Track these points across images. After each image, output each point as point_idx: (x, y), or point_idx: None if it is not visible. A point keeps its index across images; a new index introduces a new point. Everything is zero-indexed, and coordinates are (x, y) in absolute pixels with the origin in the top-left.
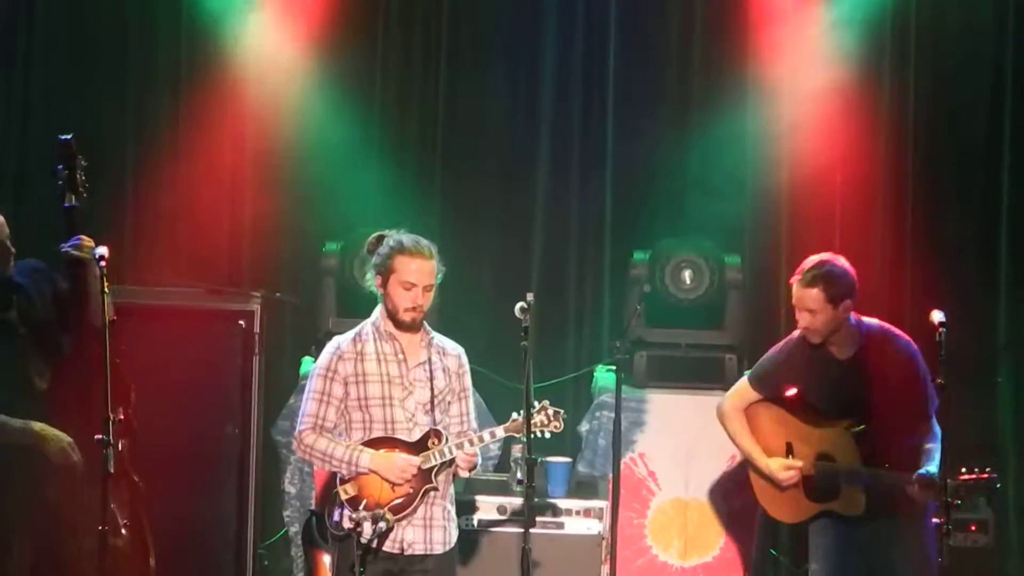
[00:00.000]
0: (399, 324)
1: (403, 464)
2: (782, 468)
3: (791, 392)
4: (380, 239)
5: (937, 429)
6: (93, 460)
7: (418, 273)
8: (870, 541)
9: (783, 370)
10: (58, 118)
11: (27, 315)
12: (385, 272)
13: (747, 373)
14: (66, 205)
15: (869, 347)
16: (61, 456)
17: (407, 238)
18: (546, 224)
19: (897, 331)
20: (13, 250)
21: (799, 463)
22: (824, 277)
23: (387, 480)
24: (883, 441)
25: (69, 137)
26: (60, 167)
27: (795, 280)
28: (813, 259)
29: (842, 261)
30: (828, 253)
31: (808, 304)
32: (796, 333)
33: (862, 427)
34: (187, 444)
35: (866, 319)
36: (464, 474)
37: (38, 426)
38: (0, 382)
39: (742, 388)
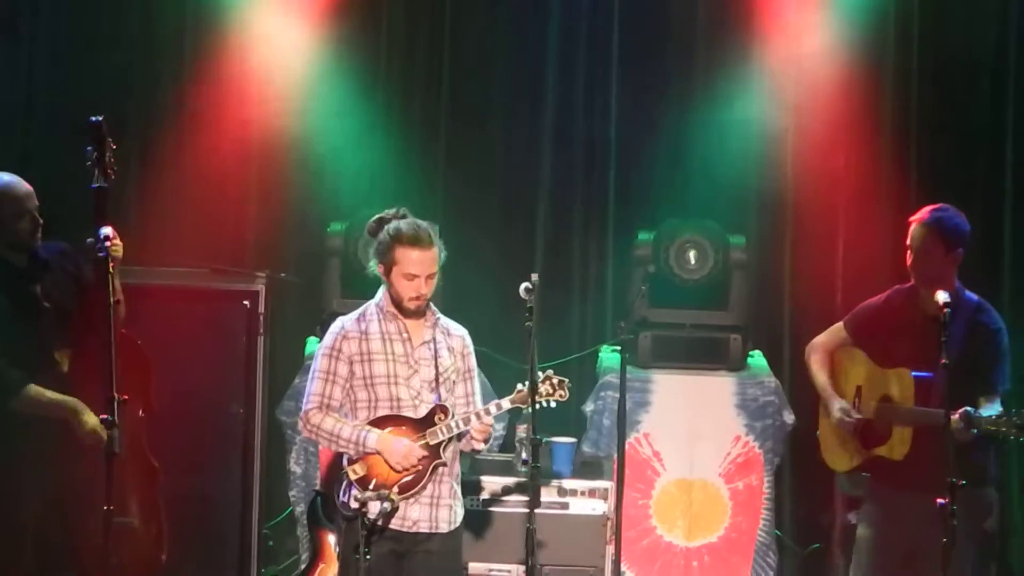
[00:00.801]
0: (404, 312)
1: (406, 451)
2: (839, 409)
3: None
4: (380, 223)
5: (999, 407)
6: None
7: (419, 263)
8: (920, 515)
9: (875, 315)
10: (61, 96)
11: (51, 293)
12: (387, 263)
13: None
14: (94, 185)
15: (962, 310)
16: (91, 434)
17: (406, 226)
18: (550, 204)
19: (991, 307)
20: (41, 221)
21: (857, 415)
22: (945, 220)
23: (390, 464)
24: (942, 395)
25: (100, 119)
26: (89, 148)
27: (916, 219)
28: (935, 205)
29: (962, 215)
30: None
31: (923, 243)
32: (903, 285)
33: (928, 375)
34: (192, 424)
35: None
36: (479, 445)
37: (76, 403)
38: (24, 355)
39: (835, 328)
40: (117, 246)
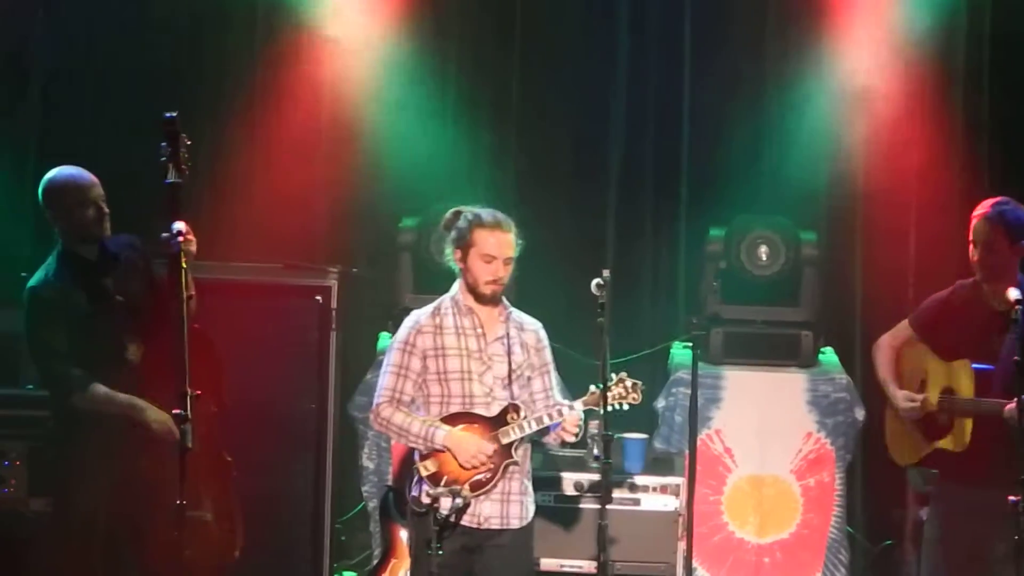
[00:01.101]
0: (479, 297)
1: (474, 450)
2: (905, 398)
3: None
4: (457, 214)
5: None
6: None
7: (498, 246)
8: (988, 511)
9: (940, 309)
10: (133, 93)
11: (122, 286)
12: (464, 246)
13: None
14: (168, 181)
15: None
16: (166, 431)
17: (485, 212)
18: (622, 201)
19: None
20: (107, 211)
21: (920, 396)
22: (1007, 213)
23: (459, 461)
24: (1002, 388)
25: (174, 115)
26: (164, 144)
27: (978, 214)
28: (996, 198)
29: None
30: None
31: (987, 237)
32: (967, 280)
33: (989, 367)
34: (264, 420)
35: None
36: (569, 437)
37: (140, 402)
38: (96, 347)
39: (901, 326)
40: (191, 241)
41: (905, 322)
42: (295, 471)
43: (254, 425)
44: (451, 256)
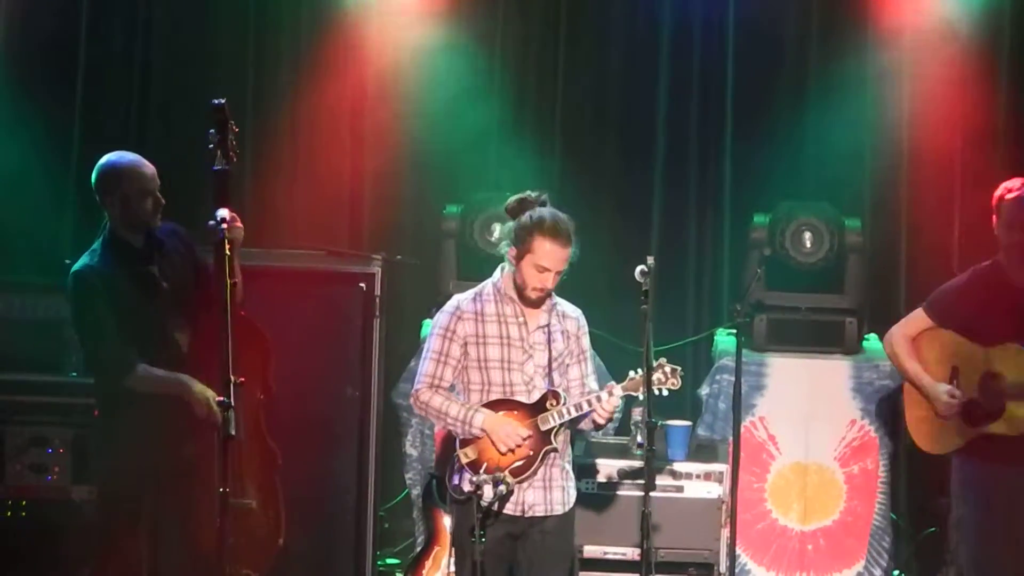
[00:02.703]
0: (524, 300)
1: (509, 430)
2: (944, 392)
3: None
4: (523, 205)
5: None
6: (237, 423)
7: (553, 259)
8: None
9: (962, 295)
10: (178, 79)
11: (169, 273)
12: (521, 248)
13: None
14: (216, 167)
15: None
16: (206, 410)
17: (550, 217)
18: (665, 187)
19: None
20: (163, 202)
21: (958, 392)
22: None
23: (493, 443)
24: None
25: (223, 101)
26: (212, 131)
27: (1011, 195)
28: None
29: None
30: None
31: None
32: (982, 264)
33: None
34: (307, 407)
35: None
36: (601, 421)
37: (186, 377)
38: (143, 334)
39: (915, 315)
40: (238, 228)
41: (919, 311)
42: (339, 459)
43: (298, 413)
44: (506, 249)
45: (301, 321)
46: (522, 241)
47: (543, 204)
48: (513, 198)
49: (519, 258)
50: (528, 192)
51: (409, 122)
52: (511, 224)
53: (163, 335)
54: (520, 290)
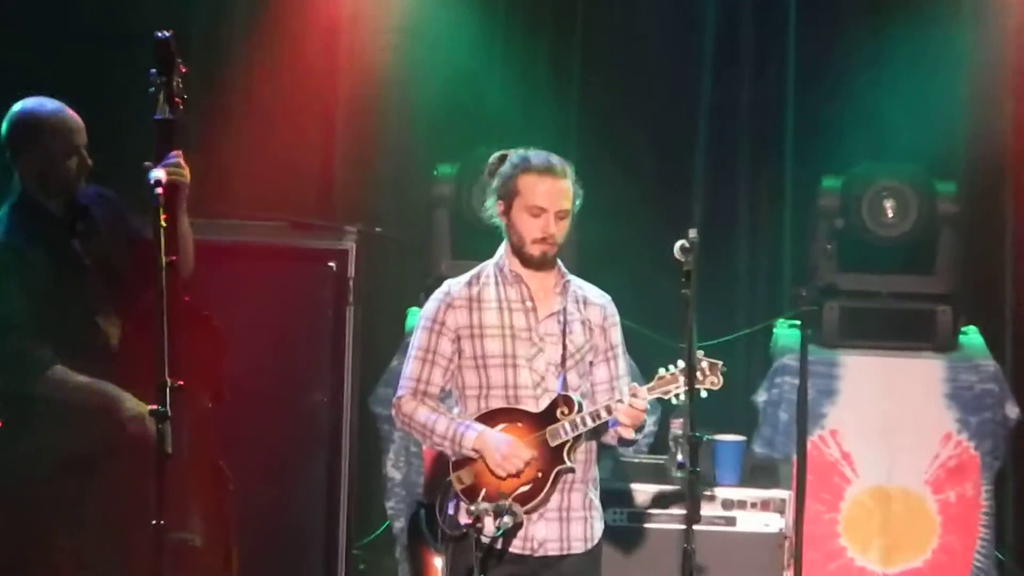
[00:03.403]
0: (527, 260)
1: (507, 450)
2: None
3: None
4: (503, 159)
5: None
6: (178, 437)
7: (548, 195)
8: None
9: None
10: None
11: (94, 247)
12: (508, 196)
13: None
14: (157, 116)
15: None
16: (142, 430)
17: (535, 154)
18: (712, 144)
19: None
20: (91, 163)
21: None
22: None
23: (489, 468)
24: None
25: (168, 35)
26: (154, 71)
27: None
28: None
29: None
30: None
31: None
32: None
33: None
34: (265, 416)
35: None
36: (627, 433)
37: (114, 388)
38: (62, 325)
39: None
40: (182, 175)
41: None
42: (303, 482)
43: (254, 425)
44: (493, 210)
45: (256, 310)
46: (507, 189)
47: None
48: (493, 156)
49: (508, 210)
50: (511, 150)
51: (393, 68)
52: (492, 183)
53: (87, 325)
54: (520, 251)
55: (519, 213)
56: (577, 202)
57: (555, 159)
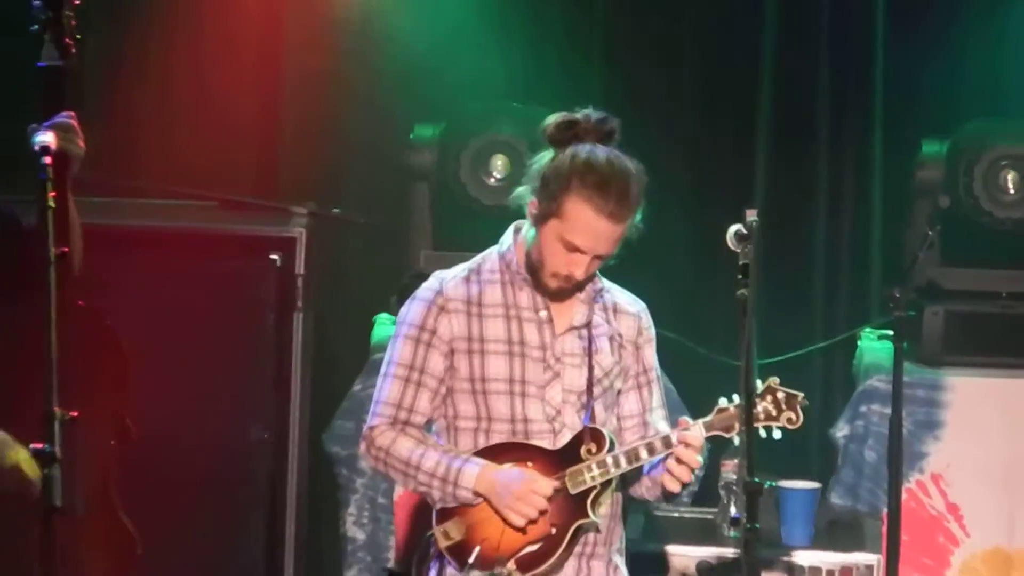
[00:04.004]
0: (539, 287)
1: (522, 489)
2: None
3: None
4: (571, 127)
5: None
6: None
7: (593, 235)
8: None
9: None
10: None
11: None
12: (547, 206)
13: None
14: (43, 63)
15: None
16: (14, 478)
17: (604, 162)
18: (776, 102)
19: None
20: None
21: None
22: None
23: (499, 512)
24: None
25: None
26: (38, 3)
27: None
28: None
29: None
30: None
31: None
32: None
33: None
34: (186, 458)
35: None
36: (673, 486)
37: None
38: None
39: None
40: (74, 143)
41: None
42: (236, 545)
43: (173, 469)
44: (527, 194)
45: (175, 317)
46: (550, 194)
47: (606, 134)
48: (555, 118)
49: (541, 220)
50: (581, 111)
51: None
52: (543, 160)
53: None
54: (533, 268)
55: (550, 236)
56: (632, 232)
57: (622, 184)
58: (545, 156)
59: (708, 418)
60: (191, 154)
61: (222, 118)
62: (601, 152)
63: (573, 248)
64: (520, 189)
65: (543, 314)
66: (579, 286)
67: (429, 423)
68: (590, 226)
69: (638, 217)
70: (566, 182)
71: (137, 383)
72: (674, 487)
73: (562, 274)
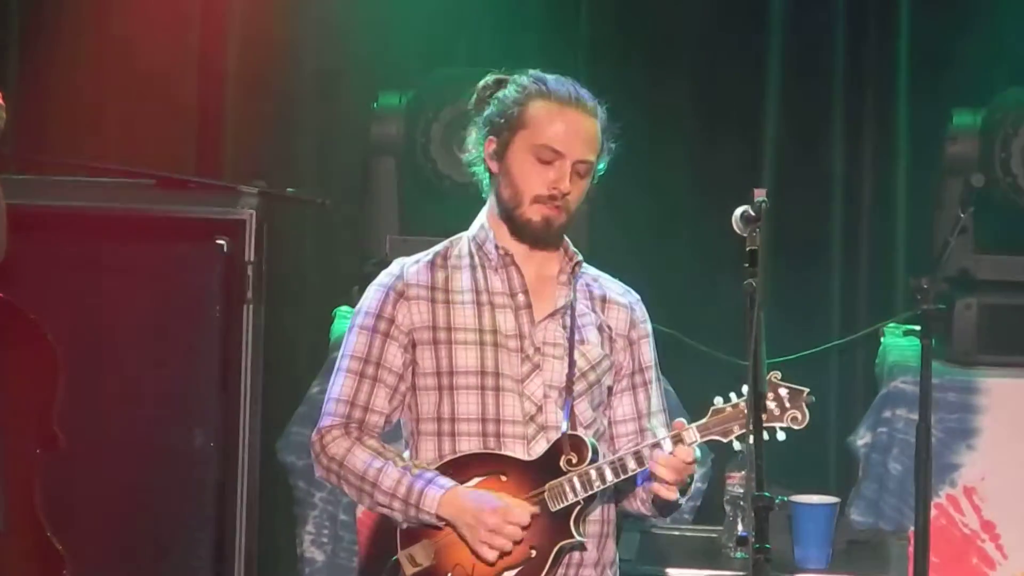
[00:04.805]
0: (522, 228)
1: (494, 518)
2: None
3: None
4: (501, 83)
5: None
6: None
7: (569, 136)
8: None
9: None
10: None
11: None
12: (508, 128)
13: None
14: None
15: None
16: None
17: (553, 77)
18: (787, 66)
19: None
20: None
21: None
22: None
23: (470, 545)
24: None
25: None
26: None
27: None
28: None
29: None
30: None
31: None
32: None
33: None
34: (121, 469)
35: None
36: (668, 493)
37: None
38: None
39: None
40: None
41: None
42: (181, 565)
43: (103, 481)
44: (478, 152)
45: (108, 311)
46: (507, 117)
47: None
48: (487, 79)
49: (503, 153)
50: (510, 73)
51: None
52: (485, 111)
53: None
54: (512, 213)
55: (520, 155)
56: (605, 155)
57: (583, 91)
58: (475, 120)
59: (703, 420)
60: (126, 129)
61: (160, 89)
62: (542, 73)
63: (551, 154)
64: (468, 142)
65: (520, 298)
66: (568, 215)
67: (388, 424)
68: (560, 119)
69: (608, 154)
70: (520, 97)
71: (65, 385)
72: (666, 494)
73: (545, 194)
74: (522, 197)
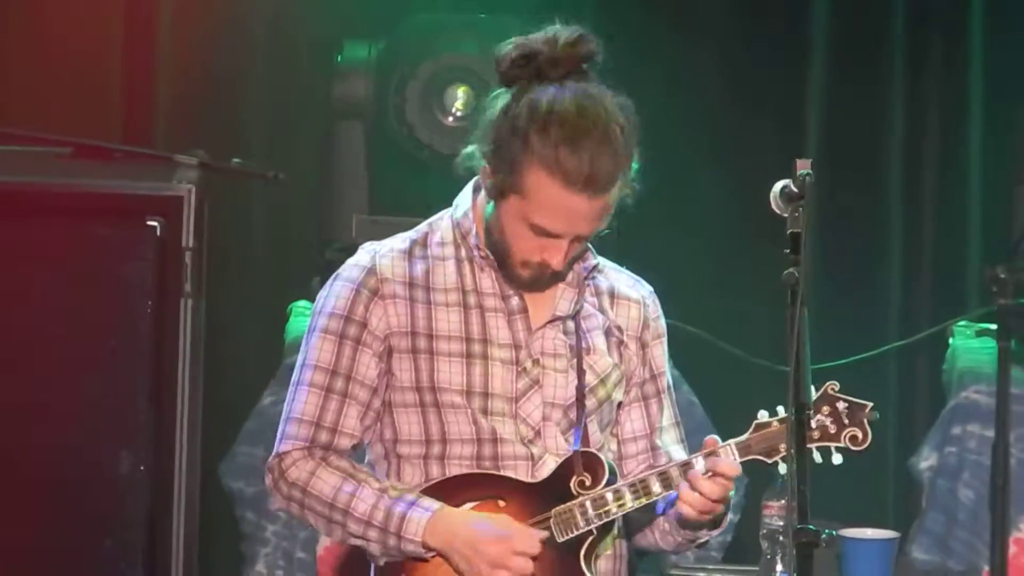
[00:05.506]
0: (510, 276)
1: (499, 550)
2: None
3: None
4: (529, 59)
5: None
6: None
7: (569, 217)
8: None
9: None
10: None
11: None
12: (506, 179)
13: None
14: None
15: None
16: None
17: (574, 114)
18: (837, 22)
19: None
20: None
21: None
22: None
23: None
24: None
25: None
26: None
27: None
28: None
29: None
30: None
31: None
32: None
33: None
34: (37, 496)
35: None
36: (697, 517)
37: None
38: None
39: None
40: None
41: None
42: None
43: (17, 510)
44: (477, 156)
45: (20, 305)
46: (506, 160)
47: (579, 62)
48: (508, 49)
49: (498, 195)
50: (546, 31)
51: None
52: (496, 105)
53: None
54: (499, 253)
55: (513, 214)
56: (607, 219)
57: (614, 137)
58: (499, 100)
59: (743, 437)
60: (40, 89)
61: (78, 44)
62: (568, 96)
63: (542, 232)
64: (469, 148)
65: (515, 302)
66: (559, 275)
67: (358, 447)
68: (560, 204)
69: (634, 166)
70: (524, 144)
71: None
72: (689, 512)
73: (534, 262)
74: (511, 256)
